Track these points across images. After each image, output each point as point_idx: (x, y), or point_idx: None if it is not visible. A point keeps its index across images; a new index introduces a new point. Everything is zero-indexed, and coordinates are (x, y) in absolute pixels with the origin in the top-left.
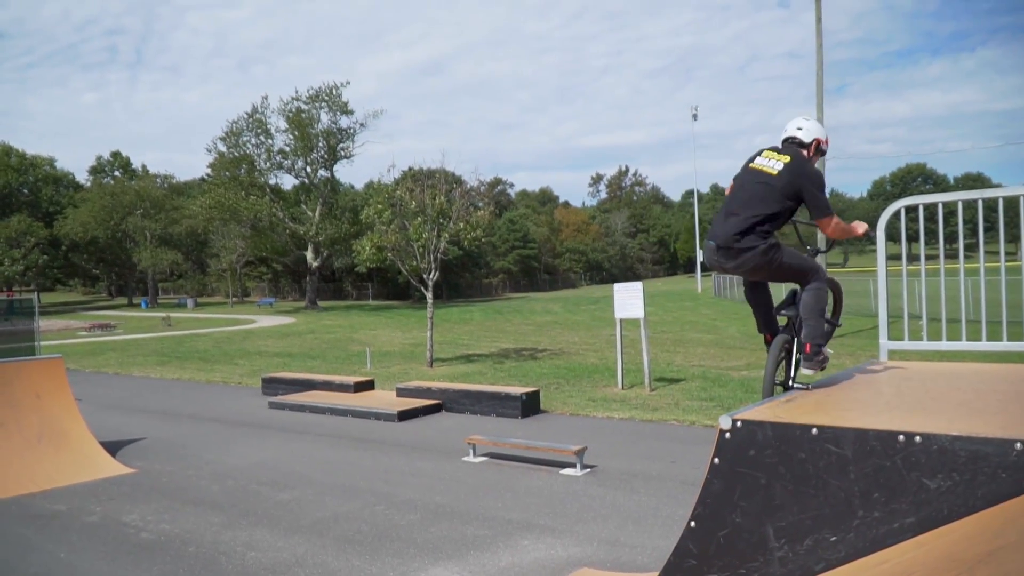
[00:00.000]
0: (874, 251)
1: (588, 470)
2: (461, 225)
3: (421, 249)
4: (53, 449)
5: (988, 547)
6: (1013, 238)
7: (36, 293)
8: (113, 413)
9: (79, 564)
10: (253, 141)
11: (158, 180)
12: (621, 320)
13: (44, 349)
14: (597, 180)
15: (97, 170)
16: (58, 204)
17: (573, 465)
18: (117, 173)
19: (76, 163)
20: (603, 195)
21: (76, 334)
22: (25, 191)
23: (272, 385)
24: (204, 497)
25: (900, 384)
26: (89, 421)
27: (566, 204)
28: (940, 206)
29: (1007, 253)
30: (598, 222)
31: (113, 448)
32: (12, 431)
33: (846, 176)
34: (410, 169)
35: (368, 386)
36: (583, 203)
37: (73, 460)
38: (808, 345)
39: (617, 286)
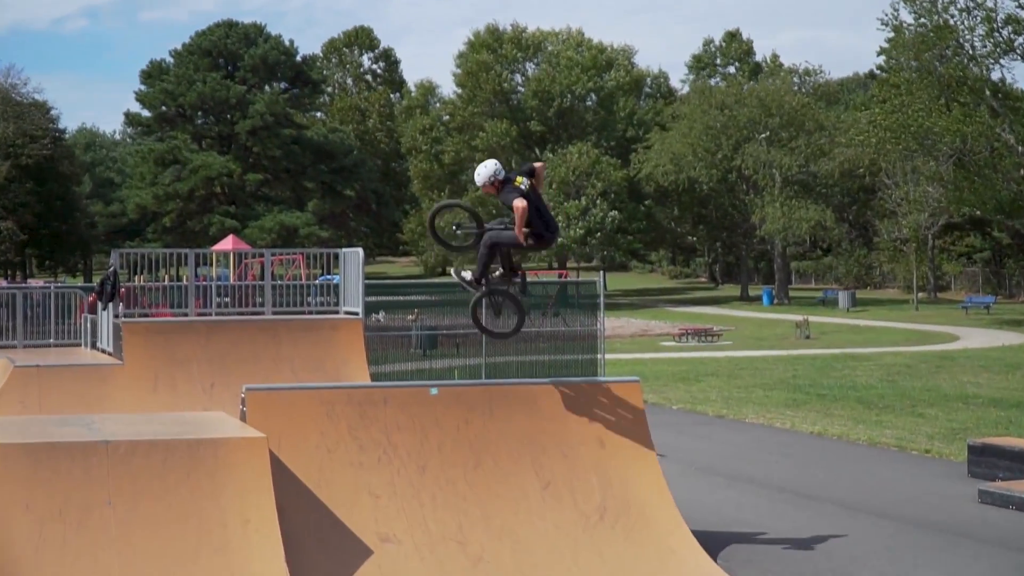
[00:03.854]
0: None
1: None
2: None
3: None
4: (621, 534)
5: None
6: None
7: (602, 272)
8: (711, 480)
9: None
10: None
11: None
12: None
13: (612, 365)
14: None
15: None
16: None
17: None
18: None
19: None
20: None
21: (659, 343)
22: None
23: (984, 459)
24: None
25: None
26: (675, 490)
27: None
28: None
29: None
30: None
31: (712, 542)
32: (563, 496)
33: None
34: None
35: None
36: None
37: (651, 555)
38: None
39: None
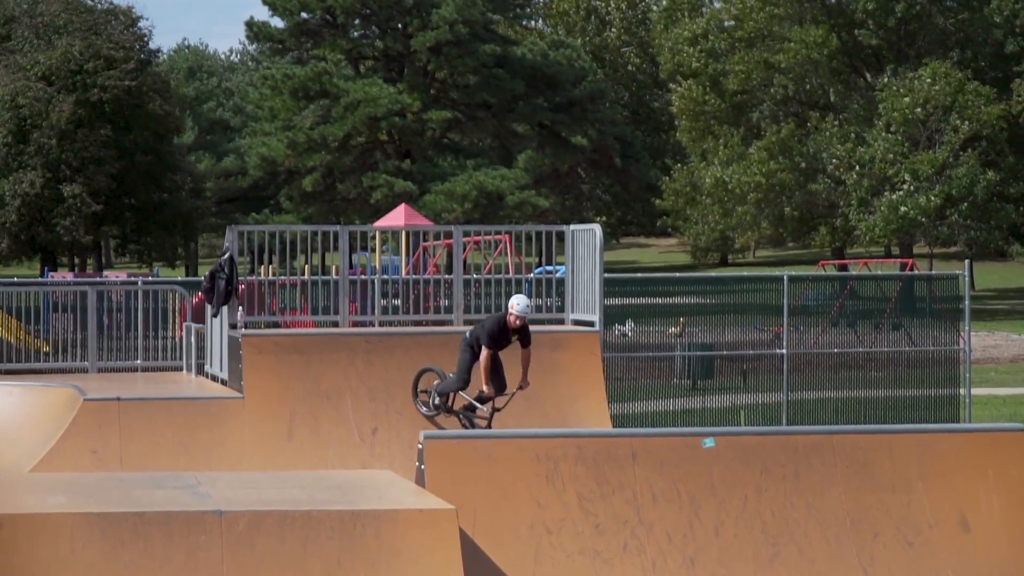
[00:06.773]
0: None
1: None
2: None
3: None
4: None
5: None
6: None
7: (968, 262)
8: None
9: None
10: None
11: None
12: None
13: (983, 405)
14: None
15: None
16: None
17: None
18: None
19: None
20: None
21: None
22: None
23: None
24: None
25: None
26: None
27: None
28: None
29: None
30: None
31: None
32: None
33: None
34: None
35: None
36: None
37: None
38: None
39: None
